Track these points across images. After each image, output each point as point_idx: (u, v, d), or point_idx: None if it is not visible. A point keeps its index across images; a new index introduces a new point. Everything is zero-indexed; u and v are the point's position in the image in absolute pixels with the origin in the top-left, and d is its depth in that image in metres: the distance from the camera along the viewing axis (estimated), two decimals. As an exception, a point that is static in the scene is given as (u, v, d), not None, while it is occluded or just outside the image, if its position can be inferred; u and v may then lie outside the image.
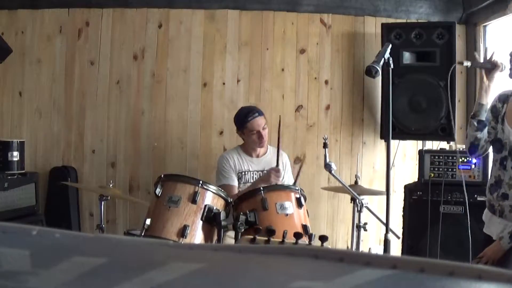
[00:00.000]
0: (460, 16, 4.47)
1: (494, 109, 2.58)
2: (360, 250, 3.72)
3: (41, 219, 4.19)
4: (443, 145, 4.09)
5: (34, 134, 4.51)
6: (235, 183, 3.69)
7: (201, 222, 2.93)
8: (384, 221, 2.87)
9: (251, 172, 3.75)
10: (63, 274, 0.44)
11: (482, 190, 3.46)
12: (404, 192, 3.92)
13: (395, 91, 3.90)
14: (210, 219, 2.94)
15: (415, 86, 4.09)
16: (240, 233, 2.88)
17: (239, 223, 2.87)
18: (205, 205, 2.96)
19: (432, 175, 3.77)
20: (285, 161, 3.85)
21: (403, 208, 3.91)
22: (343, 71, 4.55)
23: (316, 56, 4.54)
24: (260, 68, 4.53)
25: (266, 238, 2.29)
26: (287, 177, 3.80)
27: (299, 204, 3.06)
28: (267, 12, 4.53)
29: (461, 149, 3.59)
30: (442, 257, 3.50)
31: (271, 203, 2.99)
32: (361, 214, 3.28)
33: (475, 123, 2.58)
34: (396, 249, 3.81)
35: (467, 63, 2.66)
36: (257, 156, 3.80)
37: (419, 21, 4.48)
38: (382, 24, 4.26)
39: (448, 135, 4.04)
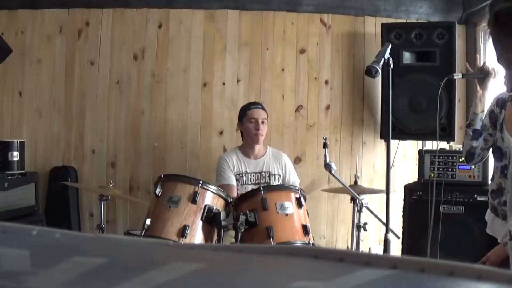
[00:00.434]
0: (460, 16, 4.47)
1: (492, 115, 2.56)
2: (360, 250, 3.73)
3: (41, 219, 4.19)
4: (443, 145, 4.08)
5: (34, 134, 4.51)
6: (234, 182, 3.70)
7: (201, 222, 2.93)
8: (384, 221, 2.87)
9: (249, 174, 3.75)
10: (63, 274, 0.44)
11: (482, 190, 3.46)
12: (404, 192, 3.92)
13: (395, 91, 3.90)
14: (210, 219, 2.94)
15: (415, 86, 4.09)
16: (240, 233, 2.88)
17: (239, 223, 2.87)
18: (205, 205, 2.96)
19: (432, 175, 3.77)
20: (285, 161, 3.84)
21: (403, 208, 3.91)
22: (343, 71, 4.55)
23: (316, 56, 4.54)
24: (260, 68, 4.53)
25: None
26: (291, 179, 3.80)
27: (299, 204, 3.06)
28: (267, 12, 4.53)
29: (458, 149, 3.60)
30: (442, 257, 3.49)
31: (271, 203, 2.99)
32: (361, 214, 3.28)
33: (470, 132, 2.59)
34: (396, 249, 3.81)
35: (458, 76, 2.66)
36: (256, 158, 3.80)
37: (419, 21, 4.48)
38: (382, 24, 4.26)
39: (448, 135, 4.04)
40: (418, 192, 3.79)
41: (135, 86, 4.52)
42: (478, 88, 2.58)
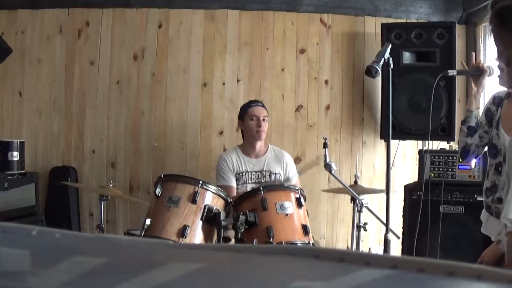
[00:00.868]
0: (460, 16, 4.47)
1: (488, 113, 2.56)
2: (360, 250, 3.73)
3: (41, 219, 4.19)
4: (443, 145, 4.09)
5: (34, 134, 4.51)
6: (234, 184, 3.70)
7: (201, 222, 2.93)
8: (384, 221, 2.87)
9: (250, 173, 3.75)
10: (63, 274, 0.44)
11: (482, 190, 3.46)
12: (404, 192, 3.92)
13: (395, 91, 3.90)
14: (210, 219, 2.94)
15: (415, 86, 4.09)
16: (240, 233, 2.88)
17: (239, 223, 2.87)
18: (205, 205, 2.96)
19: (432, 175, 3.77)
20: (287, 161, 3.84)
21: (403, 208, 3.91)
22: (343, 71, 4.55)
23: (316, 56, 4.54)
24: (260, 68, 4.53)
25: None
26: (291, 178, 3.80)
27: (299, 204, 3.06)
28: (267, 12, 4.53)
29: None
30: (442, 257, 3.50)
31: (271, 203, 2.99)
32: (361, 214, 3.28)
33: (465, 129, 2.61)
34: (396, 249, 3.81)
35: (453, 73, 2.67)
36: (256, 157, 3.80)
37: (419, 21, 4.48)
38: (382, 24, 4.26)
39: (448, 135, 4.04)
40: (418, 192, 3.78)
41: (135, 86, 4.52)
42: (473, 85, 2.60)
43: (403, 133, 4.14)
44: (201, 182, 3.00)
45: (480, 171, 3.68)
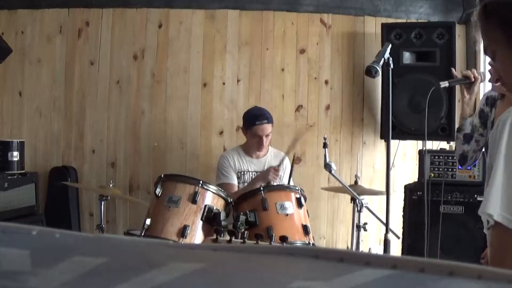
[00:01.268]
0: (460, 16, 4.47)
1: (482, 114, 2.56)
2: (360, 250, 3.72)
3: (41, 219, 4.19)
4: (443, 145, 4.09)
5: (34, 134, 4.51)
6: (235, 181, 3.71)
7: (201, 222, 2.93)
8: (384, 221, 2.87)
9: (251, 172, 3.76)
10: (63, 274, 0.44)
11: (482, 190, 3.45)
12: (404, 192, 3.92)
13: (395, 91, 3.90)
14: (210, 219, 2.94)
15: (415, 86, 4.09)
16: (240, 233, 2.88)
17: (239, 223, 2.87)
18: (205, 205, 2.96)
19: (432, 175, 3.77)
20: (286, 163, 3.85)
21: (403, 208, 3.91)
22: (343, 71, 4.55)
23: (316, 56, 4.54)
24: (260, 68, 4.53)
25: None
26: (284, 180, 3.80)
27: (299, 204, 3.06)
28: (267, 12, 4.53)
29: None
30: (442, 257, 3.50)
31: (271, 203, 2.99)
32: (361, 214, 3.28)
33: (461, 137, 2.62)
34: (396, 249, 3.81)
35: (445, 84, 2.67)
36: (257, 157, 3.81)
37: (419, 21, 4.48)
38: (382, 24, 4.26)
39: (448, 135, 4.04)
40: (418, 192, 3.79)
41: (135, 86, 4.52)
42: (466, 93, 2.60)
43: (403, 133, 4.14)
44: (201, 182, 3.00)
45: (480, 171, 3.68)
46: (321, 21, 4.55)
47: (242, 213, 2.91)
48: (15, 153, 4.08)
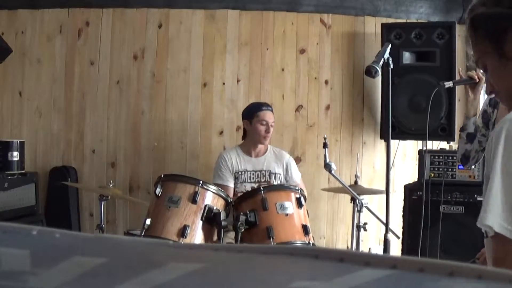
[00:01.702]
0: (460, 16, 4.47)
1: (485, 115, 2.57)
2: (360, 250, 3.73)
3: (41, 219, 4.19)
4: (443, 145, 4.09)
5: (34, 134, 4.51)
6: (231, 184, 3.69)
7: (201, 222, 2.94)
8: (384, 221, 2.87)
9: (249, 172, 3.75)
10: (63, 274, 0.44)
11: (482, 190, 3.45)
12: (404, 192, 3.92)
13: (395, 91, 3.90)
14: (210, 219, 2.95)
15: (415, 86, 4.09)
16: (240, 233, 2.89)
17: (239, 223, 2.87)
18: (205, 205, 2.96)
19: (432, 175, 3.77)
20: (287, 160, 3.84)
21: (403, 208, 3.91)
22: (343, 71, 4.55)
23: (316, 56, 4.54)
24: (260, 68, 4.53)
25: None
26: (294, 176, 3.80)
27: (299, 204, 3.06)
28: (267, 12, 4.53)
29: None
30: (442, 257, 3.50)
31: (271, 203, 2.99)
32: (361, 214, 3.28)
33: (464, 136, 2.62)
34: (396, 249, 3.81)
35: (449, 84, 2.68)
36: (256, 156, 3.80)
37: (419, 21, 4.48)
38: (382, 24, 4.25)
39: (448, 135, 4.04)
40: (418, 192, 3.79)
41: (135, 86, 4.52)
42: (470, 93, 2.61)
43: (403, 133, 4.14)
44: (201, 182, 3.00)
45: (480, 171, 3.68)
46: (321, 21, 4.55)
47: (242, 213, 2.92)
48: (15, 153, 4.08)
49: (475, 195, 3.58)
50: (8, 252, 0.46)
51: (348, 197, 3.49)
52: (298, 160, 4.46)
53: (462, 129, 2.66)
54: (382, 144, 4.47)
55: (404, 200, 3.91)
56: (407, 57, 4.16)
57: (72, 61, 4.52)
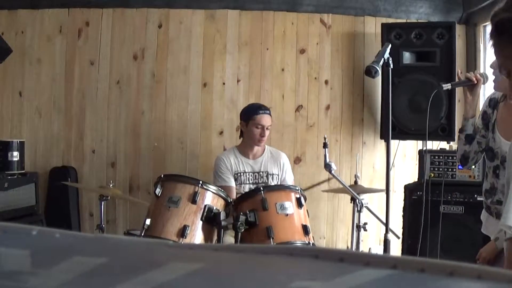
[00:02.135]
0: (460, 16, 4.47)
1: (485, 116, 2.57)
2: (360, 250, 3.73)
3: (41, 219, 4.19)
4: (443, 145, 4.09)
5: (34, 134, 4.51)
6: (233, 184, 3.68)
7: (201, 222, 2.94)
8: (384, 221, 2.87)
9: (247, 173, 3.74)
10: (63, 274, 0.44)
11: (482, 190, 3.46)
12: (404, 192, 3.92)
13: (395, 91, 3.90)
14: (210, 219, 2.95)
15: (415, 86, 4.09)
16: (240, 233, 2.89)
17: (239, 223, 2.87)
18: (205, 205, 2.96)
19: (432, 175, 3.77)
20: (283, 161, 3.84)
21: (403, 208, 3.91)
22: (343, 71, 4.55)
23: (316, 56, 4.54)
24: (260, 68, 4.53)
25: None
26: (287, 177, 3.80)
27: (299, 204, 3.06)
28: (267, 12, 4.53)
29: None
30: (442, 257, 3.50)
31: (271, 203, 2.99)
32: (361, 214, 3.28)
33: (463, 138, 2.63)
34: (396, 249, 3.81)
35: (447, 86, 2.68)
36: (254, 157, 3.79)
37: (419, 21, 4.48)
38: (382, 24, 4.25)
39: (448, 135, 4.04)
40: (418, 192, 3.79)
41: (135, 86, 4.52)
42: (468, 94, 2.61)
43: (403, 133, 4.14)
44: (201, 182, 3.00)
45: (480, 171, 3.68)
46: (321, 21, 4.55)
47: (242, 213, 2.92)
48: (15, 153, 4.08)
49: (475, 195, 3.57)
50: (8, 252, 0.46)
51: (348, 197, 3.49)
52: (298, 160, 4.46)
53: (461, 131, 2.67)
54: (382, 144, 4.47)
55: (404, 200, 3.91)
56: (407, 57, 4.16)
57: (72, 61, 4.52)
